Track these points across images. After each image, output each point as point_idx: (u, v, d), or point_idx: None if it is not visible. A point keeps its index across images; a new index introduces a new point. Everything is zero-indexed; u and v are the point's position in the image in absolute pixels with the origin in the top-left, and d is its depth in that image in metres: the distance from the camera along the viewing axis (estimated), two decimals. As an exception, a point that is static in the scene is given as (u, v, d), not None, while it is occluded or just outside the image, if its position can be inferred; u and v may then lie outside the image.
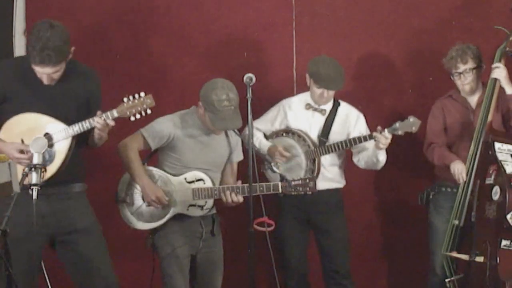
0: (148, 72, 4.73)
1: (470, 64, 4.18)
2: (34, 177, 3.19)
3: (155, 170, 3.95)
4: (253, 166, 3.69)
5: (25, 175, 3.22)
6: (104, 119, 3.49)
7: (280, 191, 3.86)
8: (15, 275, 3.22)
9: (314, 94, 4.28)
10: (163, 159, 3.98)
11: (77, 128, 3.53)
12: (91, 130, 3.58)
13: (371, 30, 4.77)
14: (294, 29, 4.79)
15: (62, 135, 3.53)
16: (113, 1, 4.79)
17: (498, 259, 3.86)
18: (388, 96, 4.76)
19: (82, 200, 3.78)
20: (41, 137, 3.47)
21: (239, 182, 3.94)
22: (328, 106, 4.33)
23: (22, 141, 3.52)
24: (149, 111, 3.54)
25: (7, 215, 3.11)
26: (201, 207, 3.93)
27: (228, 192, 3.84)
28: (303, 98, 4.38)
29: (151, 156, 4.04)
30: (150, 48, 4.79)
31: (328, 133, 4.28)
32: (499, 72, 4.09)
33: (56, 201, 3.62)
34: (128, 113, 3.52)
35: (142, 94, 3.53)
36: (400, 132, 4.01)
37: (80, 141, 3.64)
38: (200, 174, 3.92)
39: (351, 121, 4.32)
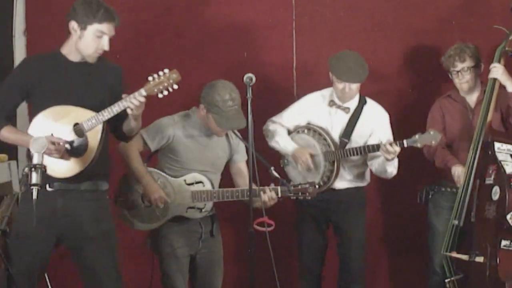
0: (148, 72, 4.68)
1: (468, 63, 4.19)
2: (34, 177, 3.18)
3: (154, 172, 3.95)
4: (253, 168, 3.67)
5: (25, 175, 3.22)
6: (134, 98, 3.44)
7: (279, 195, 3.86)
8: (18, 272, 3.22)
9: (336, 90, 4.18)
10: (162, 160, 3.97)
11: (106, 113, 3.46)
12: (123, 117, 3.55)
13: (371, 30, 4.77)
14: (294, 29, 4.80)
15: (93, 122, 3.46)
16: (113, 1, 4.78)
17: (498, 259, 3.86)
18: (389, 96, 4.76)
19: (103, 202, 3.67)
20: (41, 137, 3.46)
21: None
22: (352, 104, 4.22)
23: (52, 135, 3.47)
24: (175, 86, 3.51)
25: (6, 215, 3.11)
26: (200, 209, 3.93)
27: (266, 191, 3.82)
28: (327, 93, 4.29)
29: (151, 157, 4.04)
30: (150, 48, 4.79)
31: (351, 133, 4.19)
32: (496, 71, 4.09)
33: (74, 199, 3.53)
34: (155, 90, 3.49)
35: (166, 70, 3.53)
36: (419, 145, 3.93)
37: (117, 129, 3.63)
38: (199, 177, 3.91)
39: (375, 123, 4.21)
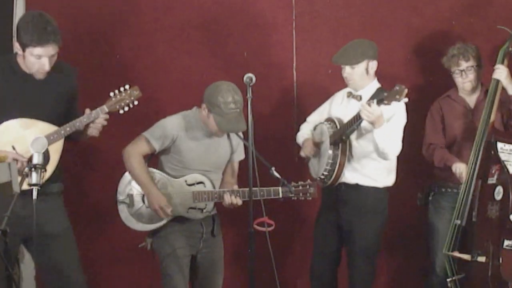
0: (148, 72, 4.72)
1: (472, 62, 4.19)
2: (34, 177, 3.18)
3: (155, 172, 3.94)
4: (253, 169, 3.67)
5: (25, 175, 3.21)
6: (97, 115, 3.54)
7: (280, 196, 3.86)
8: None
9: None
10: (164, 160, 3.96)
11: (68, 129, 3.53)
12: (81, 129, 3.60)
13: (371, 30, 4.76)
14: (294, 29, 4.79)
15: (55, 136, 3.52)
16: (113, 1, 4.78)
17: (500, 259, 3.86)
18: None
19: (58, 202, 3.75)
20: (41, 136, 3.46)
21: (236, 186, 3.94)
22: (365, 93, 4.10)
23: (14, 148, 3.49)
24: (136, 102, 3.62)
25: (6, 215, 3.11)
26: (201, 210, 3.92)
27: (228, 195, 3.84)
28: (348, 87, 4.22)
29: (151, 157, 4.03)
30: (150, 48, 4.78)
31: (361, 120, 3.97)
32: (499, 73, 4.09)
33: (31, 202, 3.47)
34: (117, 107, 3.60)
35: (127, 86, 3.61)
36: (386, 102, 3.74)
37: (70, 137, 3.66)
38: (200, 177, 3.91)
39: (388, 112, 3.93)
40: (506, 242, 3.87)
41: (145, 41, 4.77)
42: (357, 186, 4.09)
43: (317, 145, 4.18)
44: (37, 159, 3.22)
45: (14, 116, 3.53)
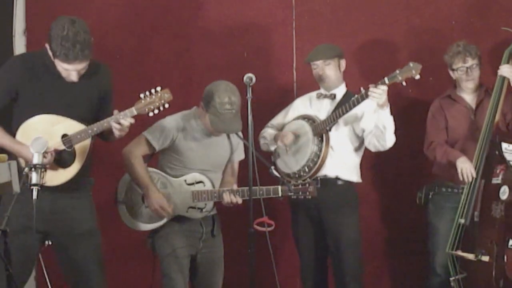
0: (148, 72, 4.73)
1: (477, 60, 4.19)
2: (34, 177, 3.17)
3: (155, 172, 3.94)
4: (253, 168, 3.68)
5: (25, 175, 3.21)
6: (123, 120, 3.46)
7: (280, 195, 3.86)
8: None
9: (316, 77, 4.25)
10: (163, 159, 3.97)
11: (96, 129, 3.48)
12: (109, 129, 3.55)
13: (371, 30, 4.77)
14: (294, 29, 4.80)
15: (82, 135, 3.48)
16: (113, 2, 4.79)
17: (506, 258, 3.87)
18: (388, 96, 4.74)
19: (87, 200, 3.71)
20: (41, 137, 3.45)
21: (235, 186, 3.95)
22: (339, 91, 4.24)
23: None
24: (167, 105, 3.52)
25: (7, 215, 3.11)
26: (201, 209, 3.92)
27: (227, 194, 3.84)
28: (315, 92, 4.33)
29: (152, 157, 4.04)
30: (150, 49, 4.79)
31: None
32: (506, 71, 4.08)
33: (60, 198, 3.55)
34: (146, 109, 3.50)
35: (158, 88, 3.51)
36: (400, 78, 3.85)
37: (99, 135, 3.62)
38: (200, 177, 3.91)
39: (363, 107, 4.06)
40: (511, 242, 3.88)
41: (145, 41, 4.78)
42: (336, 179, 4.17)
43: (296, 138, 4.21)
44: (37, 159, 3.22)
45: (43, 113, 3.49)
